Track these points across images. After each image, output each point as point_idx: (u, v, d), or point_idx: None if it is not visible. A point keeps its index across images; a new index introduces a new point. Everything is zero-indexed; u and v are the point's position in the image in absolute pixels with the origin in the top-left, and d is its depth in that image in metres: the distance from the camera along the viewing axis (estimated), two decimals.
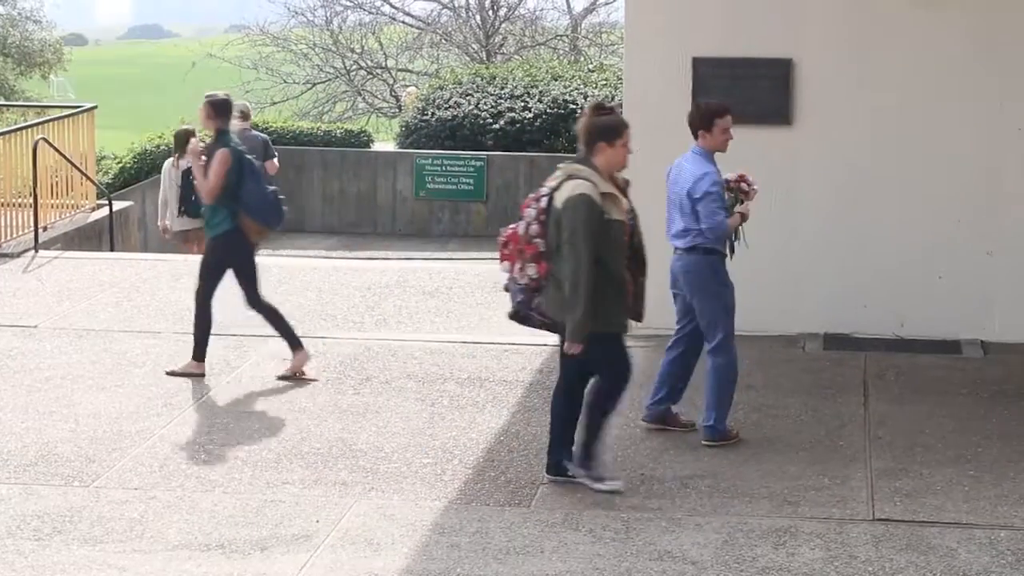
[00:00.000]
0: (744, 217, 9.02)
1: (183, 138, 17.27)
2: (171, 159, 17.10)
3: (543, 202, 8.03)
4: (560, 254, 7.94)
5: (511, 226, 8.16)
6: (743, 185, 9.03)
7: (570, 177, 8.03)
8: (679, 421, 9.28)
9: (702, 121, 8.97)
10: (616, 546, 7.50)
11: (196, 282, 10.52)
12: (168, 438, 9.16)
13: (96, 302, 12.68)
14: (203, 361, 10.52)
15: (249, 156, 10.51)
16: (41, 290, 13.24)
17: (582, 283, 7.88)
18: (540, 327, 8.32)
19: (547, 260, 8.00)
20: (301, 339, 10.56)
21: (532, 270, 8.03)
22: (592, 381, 8.26)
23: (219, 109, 10.44)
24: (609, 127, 8.09)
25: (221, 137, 10.40)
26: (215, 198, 10.34)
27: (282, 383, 10.31)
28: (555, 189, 8.04)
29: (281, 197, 10.61)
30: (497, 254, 8.22)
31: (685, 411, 9.39)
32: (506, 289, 8.32)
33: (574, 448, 8.31)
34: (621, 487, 8.22)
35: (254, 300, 10.57)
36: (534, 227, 8.02)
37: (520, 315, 8.28)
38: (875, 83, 11.30)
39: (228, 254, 10.42)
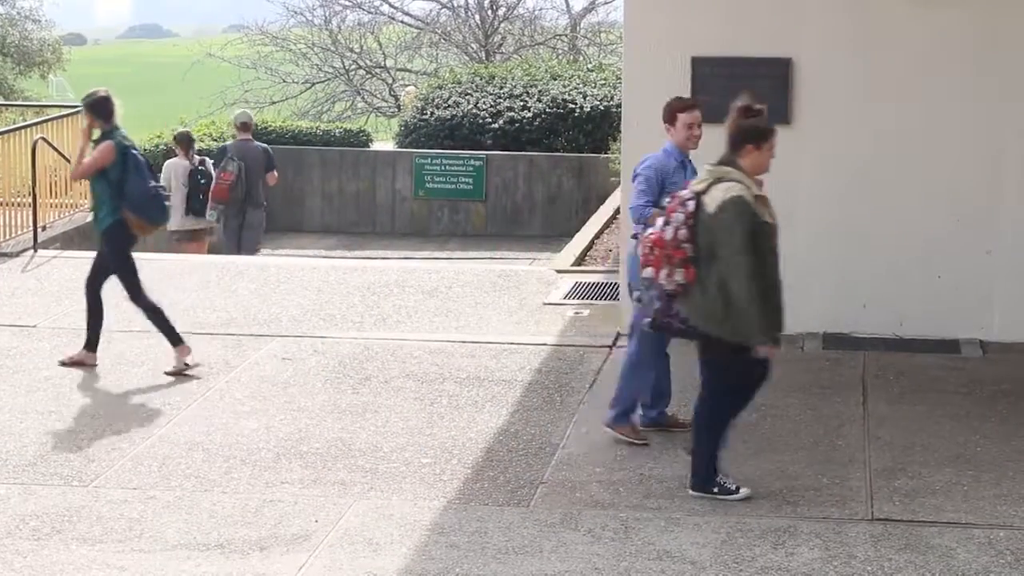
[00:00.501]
0: None
1: (187, 138, 17.40)
2: (175, 159, 17.17)
3: (690, 205, 7.86)
4: (715, 258, 7.79)
5: (652, 230, 8.00)
6: None
7: (718, 180, 7.87)
8: (677, 422, 9.27)
9: (666, 116, 8.99)
10: (615, 546, 7.50)
11: (121, 285, 10.74)
12: (167, 438, 9.16)
13: None
14: (182, 343, 10.61)
15: (135, 151, 10.70)
16: (40, 290, 13.24)
17: (751, 284, 7.75)
18: (678, 335, 8.21)
19: (695, 265, 7.86)
20: (97, 343, 10.78)
21: (680, 275, 7.87)
22: (699, 402, 8.21)
23: (98, 111, 10.63)
24: (759, 130, 7.96)
25: (108, 133, 10.62)
26: (79, 178, 11.01)
27: (281, 382, 10.30)
28: (702, 192, 7.88)
29: (165, 194, 10.79)
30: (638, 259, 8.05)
31: (678, 410, 9.41)
32: (638, 300, 8.21)
33: (695, 478, 8.18)
34: (747, 493, 8.14)
35: (94, 284, 10.79)
36: (683, 231, 7.84)
37: (658, 323, 8.16)
38: (875, 83, 11.30)
39: (120, 241, 10.67)
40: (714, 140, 11.34)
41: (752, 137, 7.95)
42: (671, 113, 8.96)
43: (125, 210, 10.55)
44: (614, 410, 9.07)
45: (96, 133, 10.71)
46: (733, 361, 7.99)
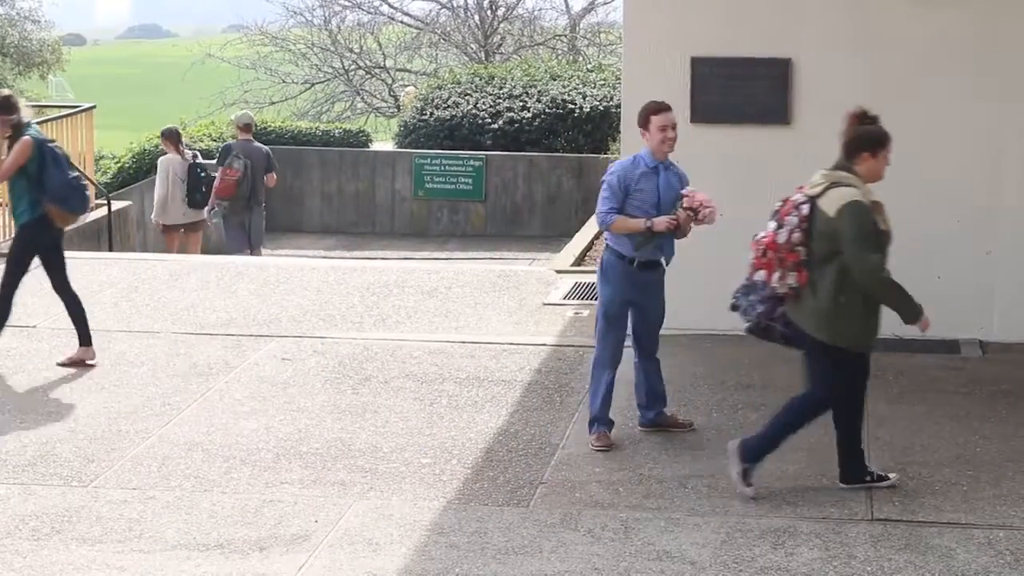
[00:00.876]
0: (651, 229, 8.72)
1: (175, 133, 17.48)
2: (168, 156, 17.22)
3: (804, 209, 7.88)
4: (828, 263, 7.82)
5: (763, 233, 8.00)
6: (684, 200, 8.76)
7: (833, 184, 7.89)
8: (676, 421, 9.26)
9: (639, 120, 8.95)
10: (615, 546, 7.50)
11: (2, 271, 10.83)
12: (167, 438, 9.16)
13: (94, 302, 12.66)
14: None
15: (51, 144, 10.72)
16: (40, 290, 13.17)
17: (883, 277, 7.81)
18: (779, 340, 8.21)
19: (807, 269, 7.89)
20: (90, 337, 10.84)
21: (792, 279, 7.90)
22: (800, 395, 8.20)
23: (3, 109, 10.64)
24: (876, 137, 8.01)
25: (21, 130, 10.60)
26: (2, 180, 10.72)
27: (280, 383, 10.30)
28: (817, 196, 7.89)
29: (83, 183, 10.81)
30: (752, 261, 8.02)
31: (677, 409, 9.41)
32: (734, 308, 8.20)
33: (748, 442, 8.15)
34: (751, 494, 8.12)
35: (62, 286, 10.86)
36: (797, 235, 7.87)
37: (760, 327, 8.16)
38: (875, 83, 11.29)
39: (33, 242, 10.68)
40: (714, 140, 11.42)
41: (869, 144, 7.99)
42: (644, 117, 8.90)
43: (47, 203, 10.53)
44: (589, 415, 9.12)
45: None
46: (836, 366, 8.01)
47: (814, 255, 7.88)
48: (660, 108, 8.91)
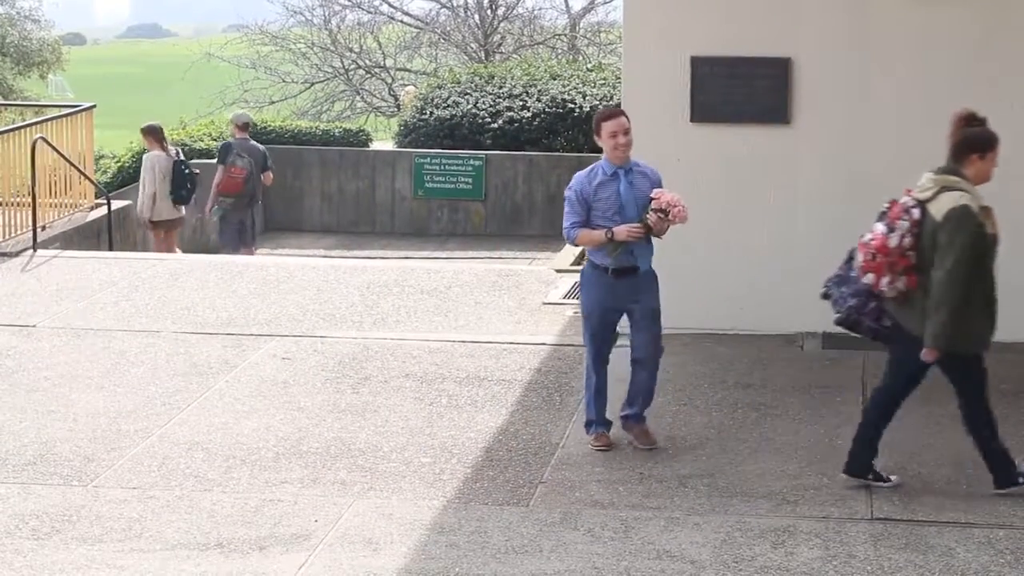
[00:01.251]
0: (612, 239, 8.65)
1: (157, 130, 17.49)
2: (153, 153, 17.20)
3: (915, 213, 7.88)
4: (936, 265, 7.82)
5: (872, 235, 7.98)
6: (652, 202, 8.68)
7: (943, 188, 7.89)
8: (644, 435, 9.06)
9: (593, 128, 8.90)
10: (615, 545, 7.50)
11: None
12: (167, 437, 9.16)
13: (95, 301, 12.67)
14: None
15: None
16: (40, 289, 13.23)
17: (954, 293, 7.78)
18: (867, 333, 8.21)
19: (917, 272, 7.89)
20: None
21: (902, 283, 7.90)
22: (961, 415, 8.23)
23: None
24: (984, 139, 8.01)
25: None
26: None
27: (280, 382, 10.30)
28: (927, 200, 7.90)
29: None
30: (860, 263, 8.00)
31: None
32: (825, 296, 8.20)
33: (996, 474, 8.19)
34: None
35: None
36: (908, 239, 7.87)
37: (849, 320, 8.17)
38: (874, 82, 11.29)
39: None
40: (714, 140, 11.41)
41: (977, 146, 8.01)
42: (596, 124, 8.84)
43: None
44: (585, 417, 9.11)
45: None
46: (954, 372, 8.07)
47: (924, 259, 7.88)
48: (611, 115, 8.84)
